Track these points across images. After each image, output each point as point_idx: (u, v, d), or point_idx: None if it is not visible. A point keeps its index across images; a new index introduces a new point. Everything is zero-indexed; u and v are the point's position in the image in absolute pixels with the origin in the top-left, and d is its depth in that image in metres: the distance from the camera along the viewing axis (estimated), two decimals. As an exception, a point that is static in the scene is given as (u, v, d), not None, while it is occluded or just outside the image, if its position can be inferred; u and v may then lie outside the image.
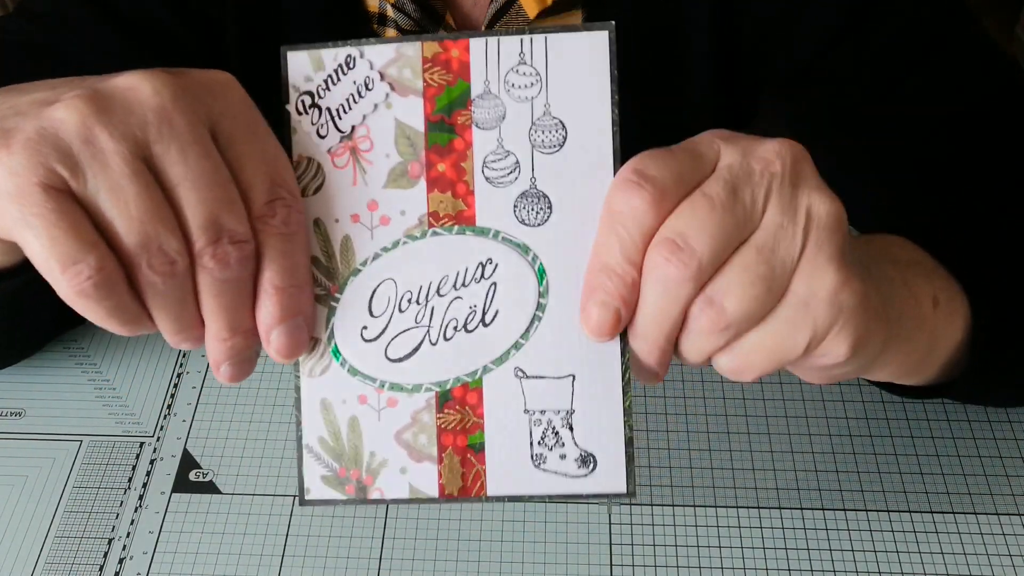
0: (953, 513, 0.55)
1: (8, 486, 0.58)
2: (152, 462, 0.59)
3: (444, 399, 0.40)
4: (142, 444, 0.60)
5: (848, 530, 0.55)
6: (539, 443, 0.39)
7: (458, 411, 0.40)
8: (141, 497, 0.57)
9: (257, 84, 0.40)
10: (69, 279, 0.35)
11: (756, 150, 0.38)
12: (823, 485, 0.57)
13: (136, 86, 0.37)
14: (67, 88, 0.38)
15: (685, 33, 0.65)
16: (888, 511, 0.55)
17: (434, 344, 0.40)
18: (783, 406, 0.60)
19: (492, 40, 0.39)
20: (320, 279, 0.40)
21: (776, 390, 0.61)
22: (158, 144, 0.36)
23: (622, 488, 0.39)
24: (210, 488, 0.58)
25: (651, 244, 0.37)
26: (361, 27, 0.65)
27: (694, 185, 0.37)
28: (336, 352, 0.40)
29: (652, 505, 0.56)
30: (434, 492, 0.40)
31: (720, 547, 0.54)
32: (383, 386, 0.40)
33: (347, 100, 0.40)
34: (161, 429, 0.61)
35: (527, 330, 0.39)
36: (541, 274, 0.39)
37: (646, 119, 0.64)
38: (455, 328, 0.39)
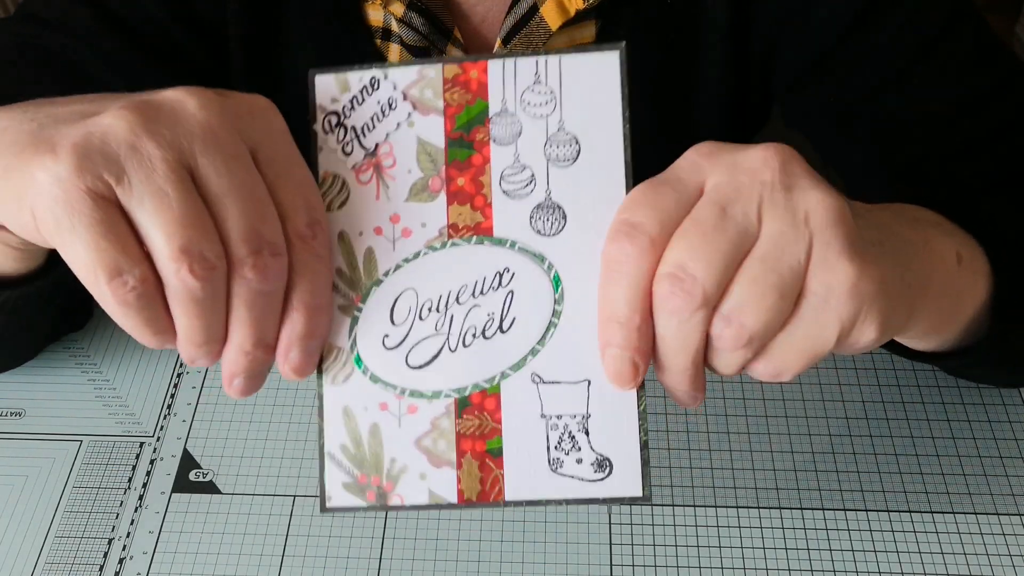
0: (953, 513, 0.55)
1: (8, 486, 0.58)
2: (152, 462, 0.59)
3: (463, 405, 0.40)
4: (142, 444, 0.60)
5: (848, 530, 0.55)
6: (556, 447, 0.39)
7: (476, 417, 0.40)
8: (141, 497, 0.57)
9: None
10: (114, 290, 0.36)
11: (742, 163, 0.38)
12: (823, 485, 0.57)
13: (182, 99, 0.37)
14: (110, 100, 0.38)
15: (702, 39, 0.65)
16: (888, 511, 0.55)
17: (453, 351, 0.40)
18: (783, 406, 0.60)
19: (509, 61, 0.41)
20: (344, 290, 0.41)
21: (776, 390, 0.61)
22: (203, 156, 0.37)
23: (638, 492, 0.39)
24: (210, 488, 0.58)
25: (654, 282, 0.37)
26: (362, 42, 0.64)
27: (683, 216, 0.37)
28: (358, 360, 0.40)
29: (652, 505, 0.56)
30: (453, 497, 0.40)
31: (720, 547, 0.54)
32: (403, 393, 0.40)
33: (371, 119, 0.41)
34: (161, 429, 0.61)
35: (543, 336, 0.40)
36: (556, 282, 0.40)
37: (661, 124, 0.64)
38: (473, 335, 0.40)
